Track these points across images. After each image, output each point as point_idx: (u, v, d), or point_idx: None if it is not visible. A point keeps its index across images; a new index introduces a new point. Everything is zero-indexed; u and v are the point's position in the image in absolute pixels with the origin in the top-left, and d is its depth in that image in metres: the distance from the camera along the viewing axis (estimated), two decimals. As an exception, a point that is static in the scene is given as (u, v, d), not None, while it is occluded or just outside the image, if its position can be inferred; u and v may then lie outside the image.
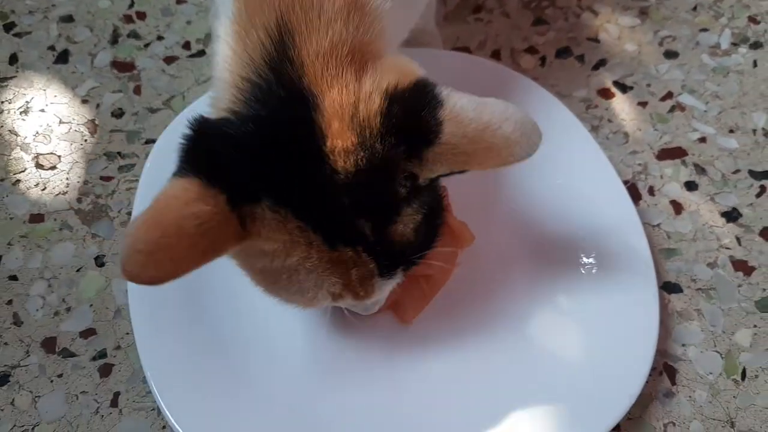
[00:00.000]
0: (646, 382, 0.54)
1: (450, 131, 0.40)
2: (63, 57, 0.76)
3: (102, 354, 0.58)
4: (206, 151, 0.40)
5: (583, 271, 0.60)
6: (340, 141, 0.40)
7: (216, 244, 0.38)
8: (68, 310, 0.60)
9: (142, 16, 0.80)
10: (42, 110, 0.72)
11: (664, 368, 0.58)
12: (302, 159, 0.40)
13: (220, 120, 0.42)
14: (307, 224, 0.40)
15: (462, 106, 0.41)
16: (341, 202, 0.40)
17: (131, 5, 0.81)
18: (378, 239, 0.41)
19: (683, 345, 0.60)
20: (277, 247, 0.41)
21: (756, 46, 0.79)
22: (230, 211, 0.38)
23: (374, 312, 0.54)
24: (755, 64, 0.78)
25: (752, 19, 0.81)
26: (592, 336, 0.57)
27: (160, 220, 0.37)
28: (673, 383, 0.58)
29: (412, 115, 0.41)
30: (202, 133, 0.40)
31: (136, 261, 0.36)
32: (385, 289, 0.46)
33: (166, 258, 0.36)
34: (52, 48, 0.77)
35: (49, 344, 0.58)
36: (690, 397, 0.57)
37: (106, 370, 0.57)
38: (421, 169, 0.42)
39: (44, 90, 0.73)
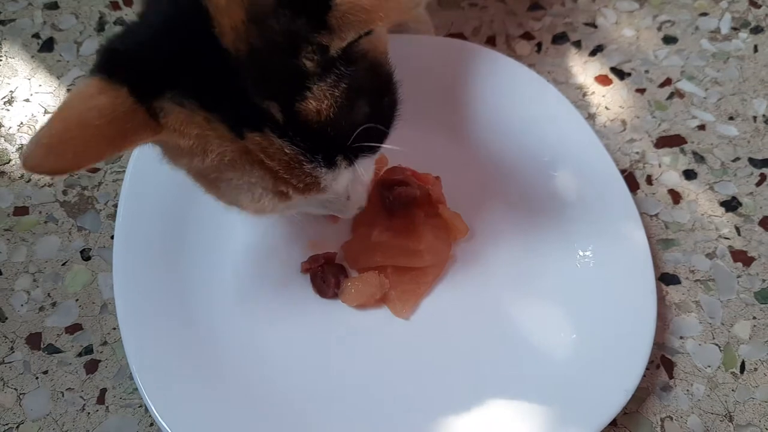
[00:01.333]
0: (644, 375, 0.53)
1: None
2: (48, 45, 0.74)
3: (88, 350, 0.57)
4: (108, 51, 0.40)
5: (579, 263, 0.59)
6: (228, 19, 0.38)
7: (123, 135, 0.38)
8: (53, 305, 0.59)
9: (129, 2, 0.78)
10: (27, 100, 0.70)
11: (662, 361, 0.57)
12: (196, 45, 0.39)
13: (126, 25, 0.42)
14: (212, 114, 0.39)
15: None
16: (241, 85, 0.38)
17: (118, -9, 0.79)
18: (289, 120, 0.39)
19: (681, 338, 0.58)
20: (192, 143, 0.40)
21: (757, 30, 0.77)
22: (135, 103, 0.38)
23: (354, 213, 0.51)
24: (756, 49, 0.76)
25: (753, 3, 0.80)
26: (588, 329, 0.55)
27: (63, 116, 0.37)
28: (671, 377, 0.57)
29: None
30: (111, 40, 0.41)
31: (37, 154, 0.36)
32: (338, 181, 0.44)
33: (69, 150, 0.37)
34: (36, 36, 0.75)
35: (34, 340, 0.57)
36: (688, 390, 0.56)
37: (92, 367, 0.56)
38: (332, 38, 0.39)
39: (29, 79, 0.72)
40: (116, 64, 0.39)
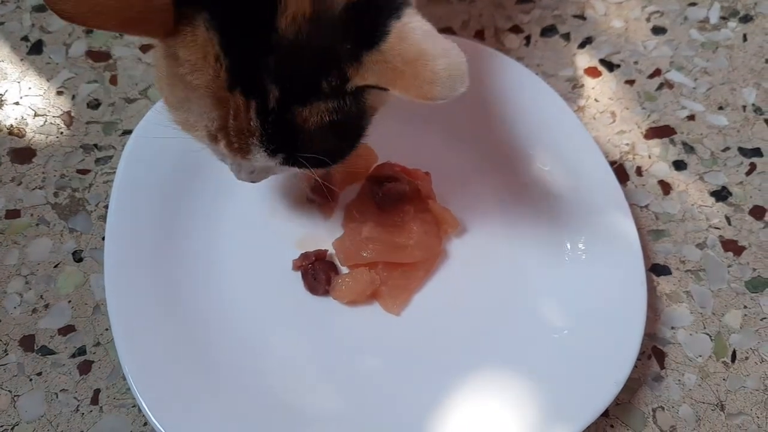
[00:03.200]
0: (635, 366, 0.54)
1: (392, 44, 0.40)
2: (37, 47, 0.74)
3: (81, 351, 0.57)
4: None
5: (569, 256, 0.59)
6: (295, 5, 0.40)
7: (143, 19, 0.39)
8: (46, 306, 0.59)
9: (117, 3, 0.78)
10: (16, 103, 0.70)
11: (653, 352, 0.58)
12: (254, 4, 0.40)
13: None
14: (225, 58, 0.41)
15: (413, 27, 0.41)
16: (265, 60, 0.40)
17: (106, -8, 0.79)
18: (277, 110, 0.42)
19: (672, 328, 0.59)
20: (190, 58, 0.41)
21: (746, 19, 0.77)
22: (170, 3, 0.39)
23: (253, 182, 0.52)
24: (745, 38, 0.76)
25: (742, -8, 0.80)
26: (579, 321, 0.56)
27: None
28: (662, 367, 0.57)
29: (372, 14, 0.41)
30: None
31: None
32: (258, 163, 0.46)
33: (89, 3, 0.38)
34: (25, 38, 0.75)
35: (27, 342, 0.57)
36: (679, 380, 0.56)
37: (85, 368, 0.56)
38: (356, 72, 0.41)
39: (18, 82, 0.72)
40: None
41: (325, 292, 0.58)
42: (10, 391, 0.55)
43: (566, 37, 0.76)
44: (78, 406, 0.54)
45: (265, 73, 0.41)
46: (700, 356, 0.57)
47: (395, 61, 0.40)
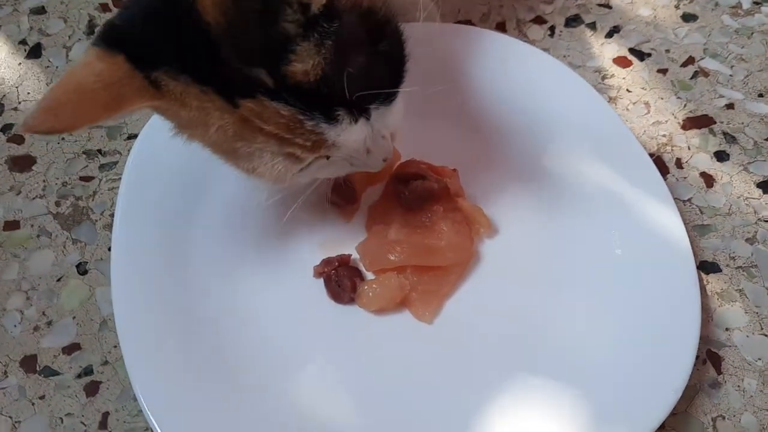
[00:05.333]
0: (690, 373, 0.49)
1: None
2: (36, 51, 0.71)
3: (88, 371, 0.53)
4: (107, 25, 0.42)
5: (612, 254, 0.55)
6: None
7: (119, 99, 0.40)
8: (49, 323, 0.55)
9: (119, 3, 0.75)
10: (15, 108, 0.67)
11: (708, 356, 0.53)
12: (182, 21, 0.39)
13: (124, 2, 0.44)
14: (206, 87, 0.40)
15: None
16: (225, 54, 0.39)
17: (107, -7, 0.76)
18: (280, 83, 0.40)
19: (727, 329, 0.54)
20: (193, 114, 0.41)
21: (780, 3, 0.74)
22: (132, 69, 0.40)
23: (381, 167, 0.49)
24: (781, 22, 0.72)
25: (774, -24, 0.76)
26: (628, 326, 0.51)
27: (64, 81, 0.40)
28: (719, 372, 0.52)
29: None
30: (112, 17, 0.43)
31: (35, 116, 0.38)
32: (348, 135, 0.43)
33: (67, 111, 0.39)
34: (23, 42, 0.71)
35: (29, 363, 0.53)
36: (739, 386, 0.52)
37: (92, 389, 0.52)
38: None
39: (17, 87, 0.68)
40: (113, 35, 0.41)
41: (351, 300, 0.54)
42: (10, 417, 0.51)
43: (592, 26, 0.72)
44: (85, 431, 0.50)
45: (237, 65, 0.39)
46: (760, 359, 0.53)
47: None
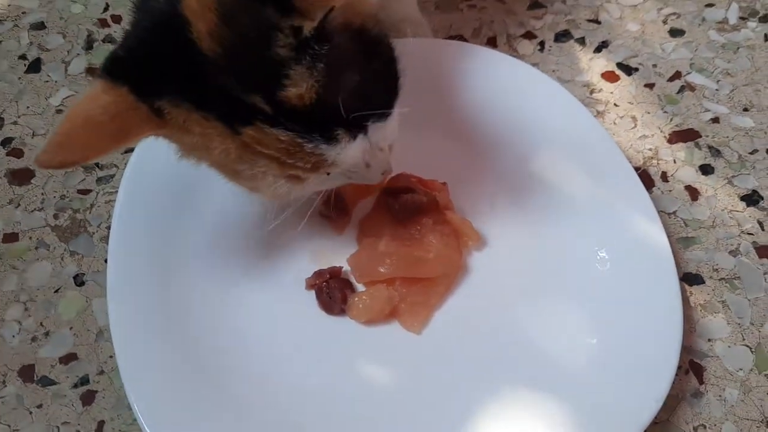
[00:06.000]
0: (672, 382, 0.50)
1: None
2: (35, 66, 0.72)
3: (84, 380, 0.54)
4: (111, 56, 0.43)
5: (597, 267, 0.56)
6: (203, 23, 0.39)
7: (126, 130, 0.41)
8: (47, 334, 0.56)
9: (117, 19, 0.76)
10: (14, 123, 0.68)
11: (690, 366, 0.54)
12: (180, 51, 0.40)
13: (125, 31, 0.45)
14: (208, 114, 0.41)
15: None
16: (223, 83, 0.40)
17: (106, 9, 0.77)
18: (277, 109, 0.40)
19: (709, 340, 0.55)
20: (197, 140, 0.42)
21: (766, 19, 0.75)
22: (136, 101, 0.41)
23: (380, 179, 0.50)
24: (766, 38, 0.73)
25: (760, -8, 0.77)
26: (612, 336, 0.52)
27: (72, 115, 0.41)
28: (701, 382, 0.53)
29: None
30: (115, 48, 0.44)
31: (47, 151, 0.40)
32: (348, 153, 0.44)
33: (76, 144, 0.40)
34: (23, 57, 0.73)
35: (26, 372, 0.54)
36: (720, 396, 0.53)
37: (88, 398, 0.53)
38: (303, 20, 0.39)
39: (16, 101, 0.69)
40: (117, 67, 0.42)
41: (341, 312, 0.55)
42: (8, 425, 0.52)
43: (581, 41, 0.74)
44: (81, 439, 0.51)
45: (235, 93, 0.40)
46: (741, 369, 0.54)
47: None
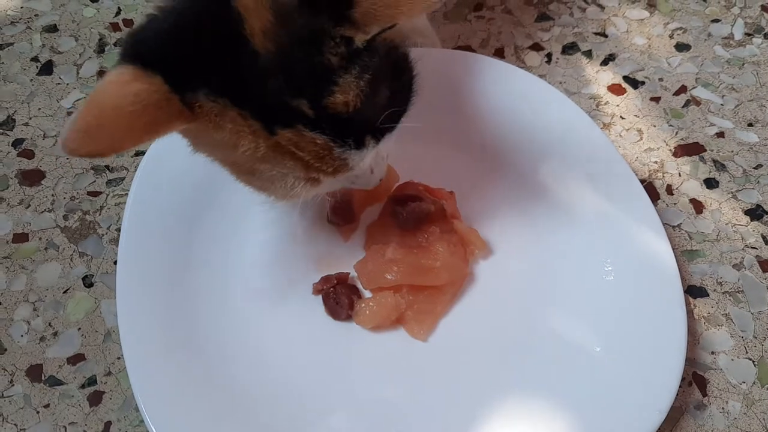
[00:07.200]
0: (676, 394, 0.50)
1: None
2: (47, 68, 0.73)
3: (91, 381, 0.54)
4: (136, 41, 0.41)
5: (602, 277, 0.56)
6: (258, 21, 0.39)
7: (157, 121, 0.39)
8: (55, 334, 0.56)
9: (129, 23, 0.77)
10: (26, 124, 0.68)
11: (694, 378, 0.55)
12: (227, 45, 0.39)
13: (150, 16, 0.42)
14: (245, 111, 0.40)
15: None
16: (272, 84, 0.39)
17: (118, 13, 0.78)
18: (319, 114, 0.40)
19: (712, 353, 0.56)
20: (224, 136, 0.41)
21: (771, 35, 0.76)
22: (170, 92, 0.39)
23: (377, 184, 0.51)
24: (771, 54, 0.74)
25: (765, 9, 0.78)
26: (617, 347, 0.53)
27: (99, 101, 0.38)
28: (704, 394, 0.54)
29: None
30: (138, 31, 0.42)
31: (75, 138, 0.37)
32: (365, 159, 0.45)
33: (105, 135, 0.38)
34: (35, 59, 0.73)
35: (34, 372, 0.54)
36: (723, 408, 0.53)
37: (96, 399, 0.53)
38: (356, 31, 0.40)
39: (27, 103, 0.70)
40: (148, 53, 0.40)
41: (348, 317, 0.55)
42: (15, 425, 0.52)
43: (588, 54, 0.75)
44: (88, 439, 0.52)
45: (281, 95, 0.40)
46: (744, 382, 0.54)
47: None
